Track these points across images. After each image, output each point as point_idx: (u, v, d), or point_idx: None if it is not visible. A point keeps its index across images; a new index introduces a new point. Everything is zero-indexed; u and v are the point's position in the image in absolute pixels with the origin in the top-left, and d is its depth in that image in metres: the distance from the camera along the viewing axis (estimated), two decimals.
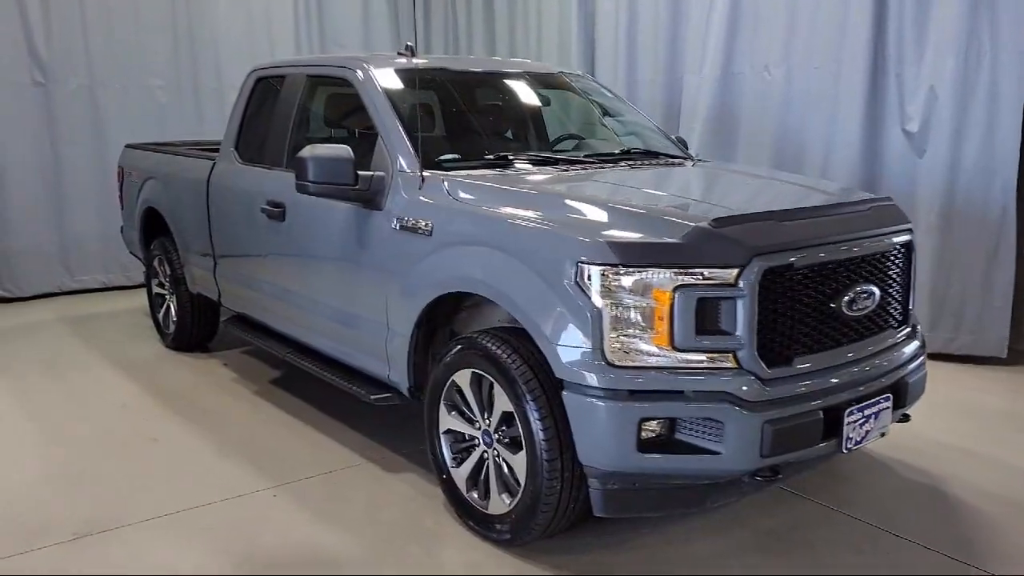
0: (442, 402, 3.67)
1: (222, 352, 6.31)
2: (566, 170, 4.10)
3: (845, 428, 3.13)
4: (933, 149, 5.70)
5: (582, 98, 5.07)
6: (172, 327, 6.31)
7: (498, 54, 9.42)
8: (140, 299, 7.83)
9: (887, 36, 5.91)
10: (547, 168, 4.11)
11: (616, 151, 4.54)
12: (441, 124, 4.28)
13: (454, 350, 3.55)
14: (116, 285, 8.64)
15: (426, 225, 3.64)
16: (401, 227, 3.79)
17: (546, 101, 4.90)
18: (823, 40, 6.27)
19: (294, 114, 4.75)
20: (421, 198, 3.76)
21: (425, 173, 3.82)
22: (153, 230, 6.53)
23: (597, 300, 2.97)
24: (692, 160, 4.66)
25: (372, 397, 4.09)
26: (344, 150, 3.88)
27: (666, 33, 7.44)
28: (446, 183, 3.73)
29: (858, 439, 3.20)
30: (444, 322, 3.90)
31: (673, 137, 5.03)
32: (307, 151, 3.89)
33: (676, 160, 4.57)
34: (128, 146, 7.06)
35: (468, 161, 4.09)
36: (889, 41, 5.89)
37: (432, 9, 10.18)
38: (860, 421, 3.18)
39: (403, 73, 4.39)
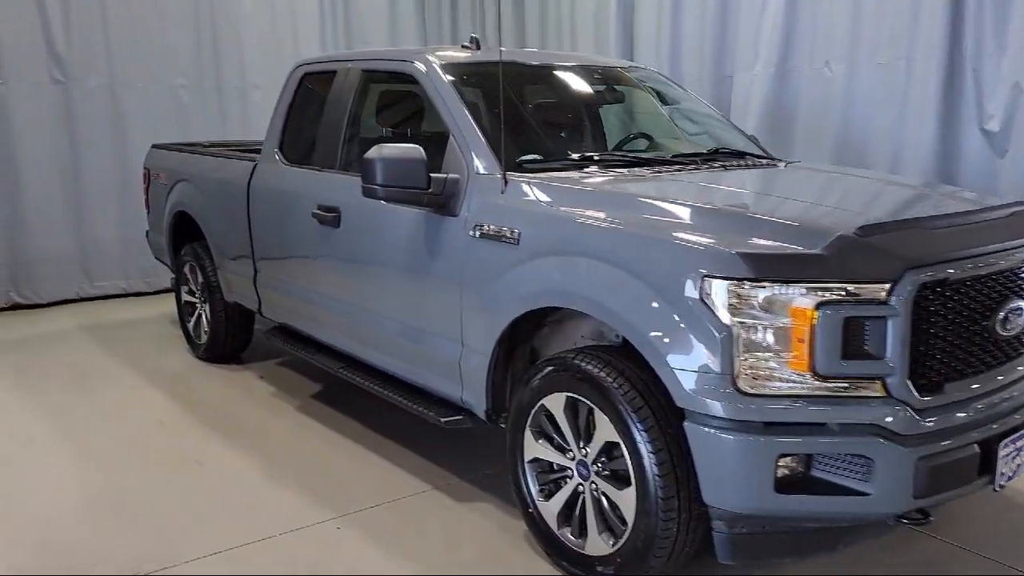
0: (528, 428, 3.31)
1: (256, 364, 5.96)
2: (659, 172, 3.74)
3: (998, 462, 2.76)
4: (1016, 149, 5.34)
5: (653, 94, 4.71)
6: (204, 337, 5.95)
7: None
8: (163, 306, 7.51)
9: (964, 29, 5.55)
10: (637, 170, 3.73)
11: (703, 151, 4.17)
12: (515, 122, 3.90)
13: (544, 372, 3.20)
14: (136, 291, 8.29)
15: (512, 233, 3.28)
16: (481, 235, 3.42)
17: (619, 97, 4.53)
18: (891, 34, 5.92)
19: (348, 112, 4.39)
20: (504, 203, 3.39)
21: (507, 175, 3.45)
22: (184, 235, 6.17)
23: (725, 319, 2.61)
24: (782, 160, 4.29)
25: (443, 420, 3.73)
26: (415, 150, 3.53)
27: (714, 27, 7.10)
28: (533, 186, 3.37)
29: (1010, 474, 2.85)
30: (525, 339, 3.53)
31: (749, 136, 4.66)
32: (375, 152, 3.53)
33: (765, 161, 4.21)
34: (155, 146, 6.70)
35: (549, 162, 3.73)
36: (966, 33, 5.53)
37: (459, 4, 9.82)
38: (1012, 454, 2.82)
39: (473, 67, 4.04)
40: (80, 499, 3.94)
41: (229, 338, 5.85)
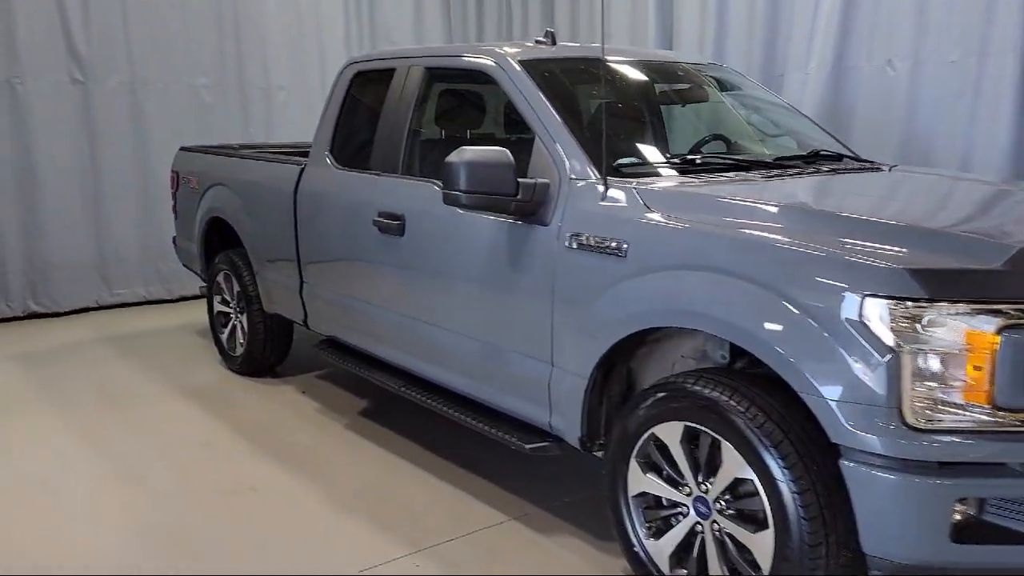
0: (634, 459, 2.99)
1: (294, 377, 5.63)
2: (768, 176, 3.41)
3: None
4: None
5: (735, 92, 4.39)
6: (240, 350, 5.61)
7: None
8: (186, 314, 7.19)
9: None
10: (744, 174, 3.41)
11: (802, 154, 3.84)
12: (603, 122, 3.57)
13: (656, 397, 2.87)
14: (157, 299, 7.95)
15: (617, 244, 2.96)
16: (578, 245, 3.10)
17: (704, 96, 4.21)
18: (961, 30, 5.59)
19: (410, 113, 4.05)
20: (606, 211, 3.07)
21: (608, 180, 3.12)
22: (217, 242, 5.83)
23: (891, 343, 2.29)
24: (884, 164, 3.97)
25: (529, 447, 3.40)
26: (503, 154, 3.20)
27: (764, 24, 6.77)
28: (640, 192, 3.04)
29: None
30: (622, 359, 3.20)
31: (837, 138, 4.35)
32: (458, 155, 3.20)
33: (869, 165, 3.89)
34: (183, 149, 6.36)
35: (646, 166, 3.40)
36: None
37: (484, 3, 9.51)
38: None
39: (555, 63, 3.71)
40: (131, 530, 3.61)
41: (267, 351, 5.52)
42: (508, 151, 3.23)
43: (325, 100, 4.70)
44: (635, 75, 4.04)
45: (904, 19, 5.86)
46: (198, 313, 7.22)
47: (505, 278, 3.41)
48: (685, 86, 4.21)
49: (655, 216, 2.93)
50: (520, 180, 3.23)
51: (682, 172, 3.36)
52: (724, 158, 3.68)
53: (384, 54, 4.42)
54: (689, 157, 3.57)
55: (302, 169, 4.76)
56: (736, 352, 2.93)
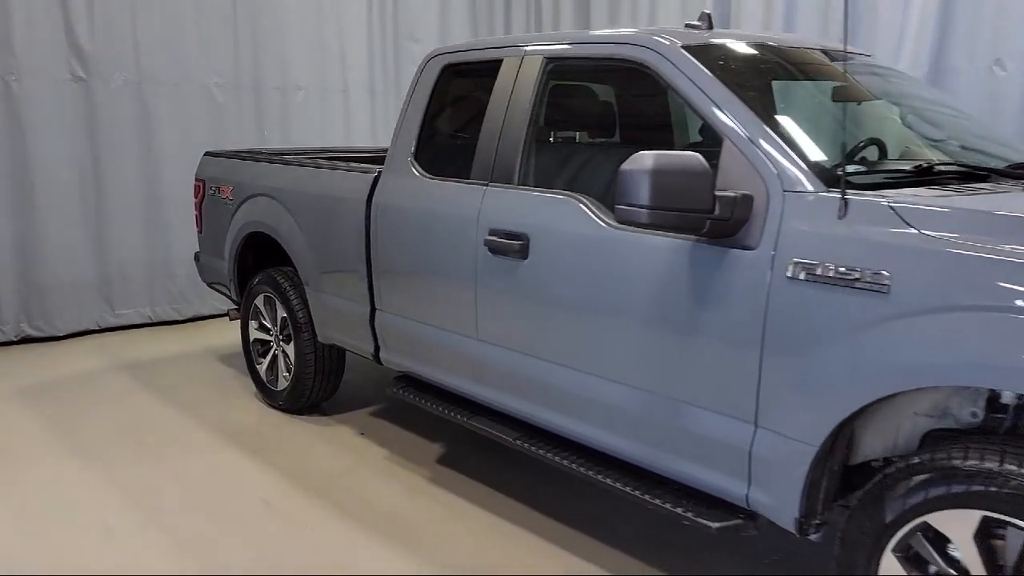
0: (891, 553, 2.28)
1: (344, 415, 4.89)
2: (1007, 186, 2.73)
3: None
4: None
5: (908, 91, 3.72)
6: (283, 383, 4.84)
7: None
8: (201, 338, 6.41)
9: None
10: (989, 184, 2.72)
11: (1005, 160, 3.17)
12: (809, 123, 2.88)
13: (929, 477, 2.17)
14: (164, 320, 7.13)
15: (874, 277, 2.25)
16: (809, 277, 2.40)
17: (880, 93, 3.54)
18: None
19: (530, 112, 3.32)
20: (853, 233, 2.37)
21: (842, 195, 2.43)
22: (256, 260, 5.06)
23: None
24: None
25: (716, 525, 2.69)
26: (695, 160, 2.50)
27: (841, 16, 6.10)
28: (899, 208, 2.34)
29: None
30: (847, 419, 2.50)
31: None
32: (636, 163, 2.50)
33: None
34: (209, 155, 5.56)
35: (875, 174, 2.72)
36: None
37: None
38: None
39: (729, 51, 3.00)
40: None
41: (317, 386, 4.75)
42: (701, 156, 2.52)
43: (405, 99, 3.95)
44: (809, 66, 3.35)
45: (1015, 9, 5.25)
46: (215, 336, 6.46)
47: (685, 314, 2.70)
48: (868, 81, 3.52)
49: (930, 239, 2.23)
50: (718, 193, 2.52)
51: (917, 183, 2.66)
52: (962, 166, 2.97)
53: (483, 43, 3.68)
54: (919, 164, 2.86)
55: (376, 178, 4.00)
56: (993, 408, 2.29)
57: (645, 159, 2.51)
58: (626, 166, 2.53)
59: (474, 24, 8.67)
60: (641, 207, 2.51)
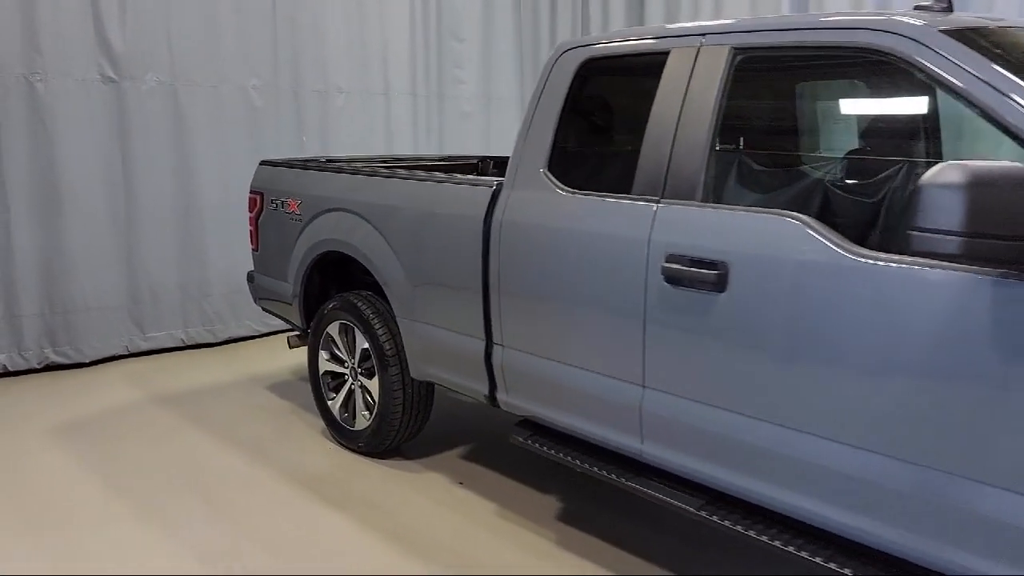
0: None
1: (430, 459, 4.28)
2: None
3: None
4: None
5: None
6: (363, 423, 4.22)
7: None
8: (243, 363, 5.81)
9: None
10: None
11: None
12: None
13: None
14: (198, 343, 6.47)
15: None
16: None
17: None
18: None
19: (715, 116, 2.72)
20: None
21: None
22: (323, 282, 4.44)
23: None
24: None
25: None
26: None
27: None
28: None
29: None
30: None
31: None
32: (943, 175, 1.92)
33: None
34: (267, 164, 4.92)
35: None
36: None
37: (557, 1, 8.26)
38: None
39: (1004, 39, 2.42)
40: None
41: (405, 426, 4.11)
42: None
43: (531, 101, 3.33)
44: None
45: None
46: (256, 361, 5.83)
47: (989, 368, 2.09)
48: None
49: None
50: None
51: None
52: None
53: (635, 33, 3.07)
54: None
55: (495, 192, 3.38)
56: None
57: (955, 171, 1.91)
58: (930, 180, 1.93)
59: (518, 23, 8.09)
60: (951, 233, 1.91)
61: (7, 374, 5.70)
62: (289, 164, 4.73)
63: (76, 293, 5.83)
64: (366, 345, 4.13)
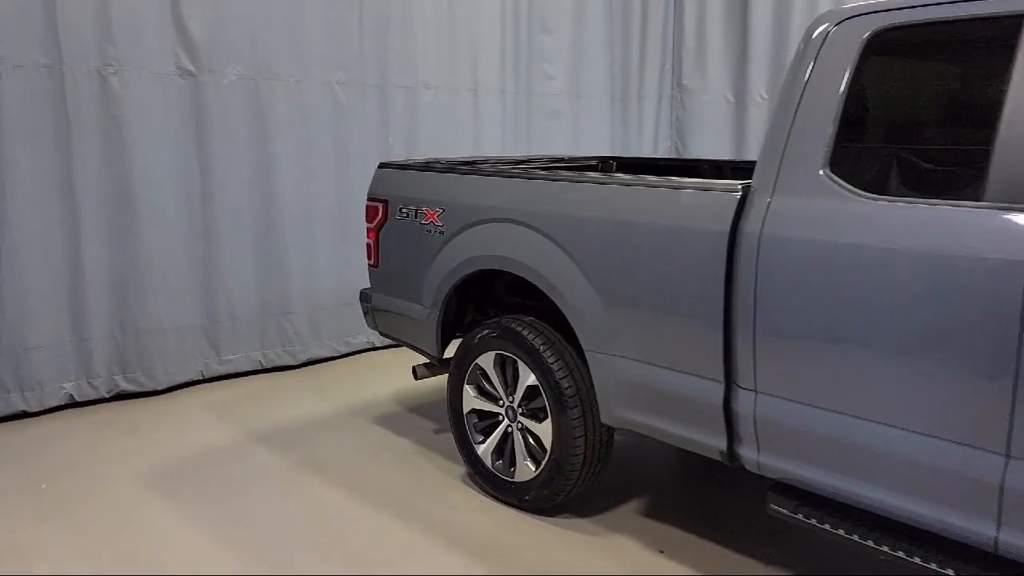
0: None
1: (603, 516, 3.55)
2: None
3: None
4: None
5: None
6: (530, 473, 3.50)
7: (762, 19, 6.82)
8: (328, 390, 5.21)
9: None
10: None
11: None
12: None
13: None
14: (278, 365, 5.75)
15: None
16: None
17: None
18: None
19: None
20: None
21: None
22: (464, 305, 3.74)
23: None
24: None
25: None
26: None
27: None
28: None
29: None
30: None
31: None
32: None
33: None
34: (387, 166, 4.20)
35: None
36: None
37: None
38: None
39: None
40: None
41: (583, 479, 3.40)
42: None
43: (791, 86, 2.61)
44: None
45: None
46: (347, 388, 5.21)
47: None
48: None
49: None
50: None
51: None
52: None
53: None
54: None
55: (742, 198, 2.65)
56: None
57: None
58: None
59: (609, 13, 7.38)
60: None
61: (73, 404, 4.96)
62: (422, 167, 4.01)
63: (149, 313, 5.11)
64: (533, 381, 3.40)
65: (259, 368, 5.72)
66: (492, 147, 6.64)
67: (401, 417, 4.76)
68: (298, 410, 4.91)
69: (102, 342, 5.02)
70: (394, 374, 5.60)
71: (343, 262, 5.94)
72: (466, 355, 3.71)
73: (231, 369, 5.60)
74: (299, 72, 5.54)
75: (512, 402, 3.56)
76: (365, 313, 4.39)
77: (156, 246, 5.07)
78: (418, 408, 4.92)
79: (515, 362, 3.51)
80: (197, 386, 5.44)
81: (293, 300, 5.75)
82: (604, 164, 5.28)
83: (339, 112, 5.81)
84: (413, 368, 4.17)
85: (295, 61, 5.51)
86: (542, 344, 3.36)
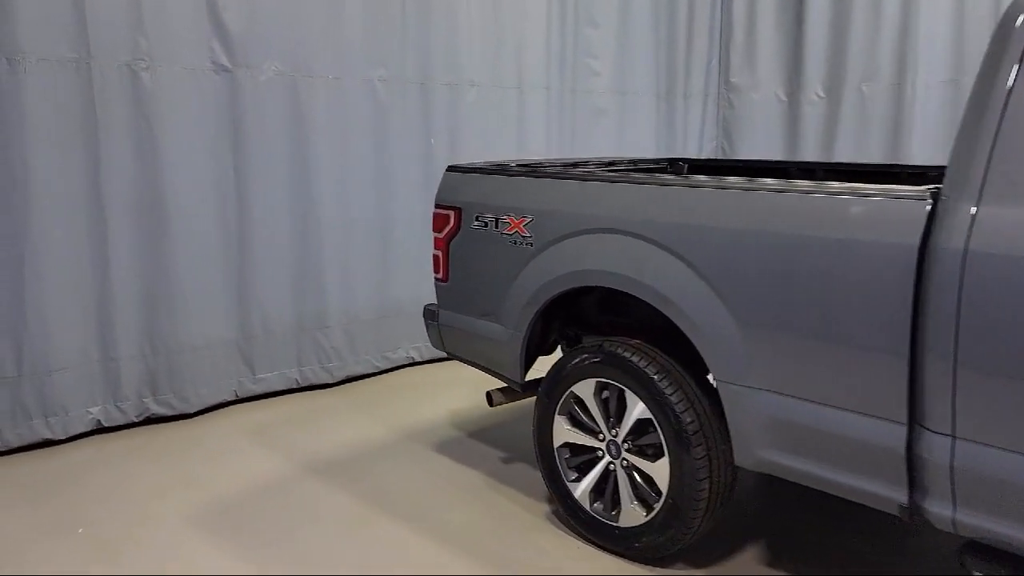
0: None
1: (722, 565, 3.07)
2: None
3: None
4: None
5: None
6: (640, 517, 3.08)
7: (820, 11, 6.42)
8: (376, 412, 4.83)
9: None
10: None
11: None
12: None
13: None
14: (313, 383, 5.28)
15: None
16: None
17: None
18: None
19: None
20: None
21: None
22: (548, 325, 3.31)
23: None
24: None
25: None
26: None
27: None
28: None
29: None
30: None
31: None
32: None
33: None
34: (456, 169, 3.75)
35: None
36: None
37: None
38: None
39: None
40: None
41: (705, 524, 2.95)
42: None
43: (994, 81, 2.16)
44: None
45: None
46: (396, 409, 4.83)
47: None
48: None
49: None
50: None
51: None
52: None
53: None
54: None
55: (935, 208, 2.21)
56: None
57: None
58: None
59: (655, 5, 6.93)
60: None
61: (101, 430, 4.49)
62: (491, 170, 3.56)
63: (181, 328, 4.65)
64: (644, 414, 2.96)
65: (296, 387, 5.27)
66: (537, 148, 6.20)
67: (463, 444, 4.32)
68: (347, 435, 4.46)
69: (131, 361, 4.55)
70: (442, 392, 5.16)
71: (382, 270, 5.50)
72: (559, 382, 3.26)
73: (265, 388, 5.14)
74: (338, 67, 5.10)
75: (615, 436, 3.11)
76: (429, 331, 3.93)
77: (188, 255, 4.61)
78: (480, 433, 4.47)
79: (620, 392, 3.06)
80: (231, 407, 4.98)
81: (330, 312, 5.30)
82: (674, 166, 4.84)
83: (379, 111, 5.36)
84: (488, 394, 3.72)
85: (334, 56, 5.06)
86: (656, 372, 2.92)
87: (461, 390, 5.22)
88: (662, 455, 2.95)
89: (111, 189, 4.31)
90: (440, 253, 3.75)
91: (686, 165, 4.85)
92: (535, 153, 6.15)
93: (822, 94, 6.66)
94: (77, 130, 4.17)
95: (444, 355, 5.84)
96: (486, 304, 3.55)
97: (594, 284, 3.08)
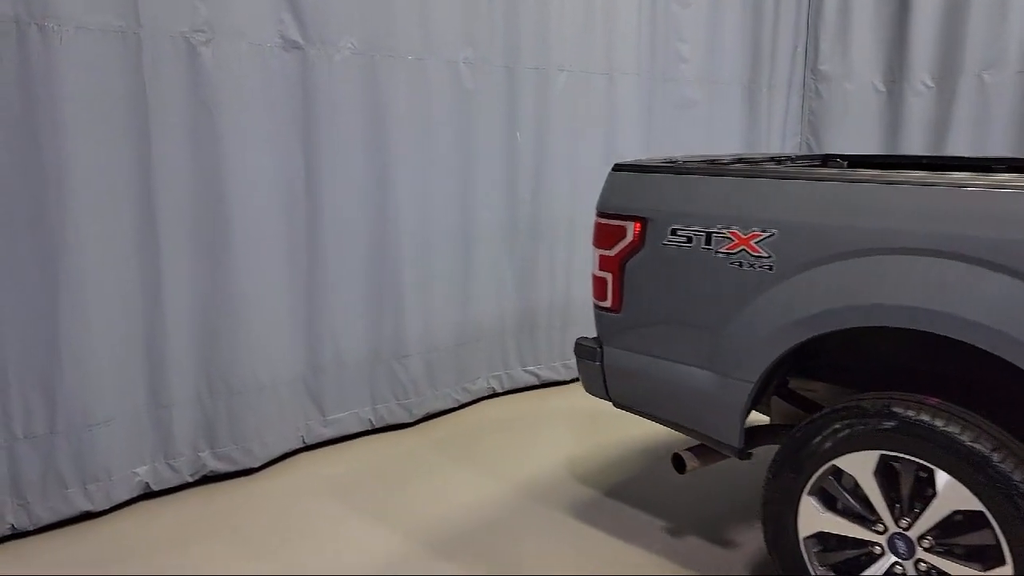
0: None
1: None
2: None
3: None
4: None
5: None
6: None
7: None
8: (479, 460, 3.93)
9: None
10: None
11: None
12: None
13: None
14: (388, 424, 4.36)
15: None
16: None
17: None
18: None
19: None
20: None
21: None
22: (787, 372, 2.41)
23: None
24: None
25: None
26: None
27: None
28: None
29: None
30: None
31: None
32: None
33: None
34: (624, 168, 2.81)
35: None
36: None
37: None
38: None
39: None
40: None
41: None
42: None
43: None
44: None
45: None
46: (485, 451, 4.02)
47: None
48: None
49: None
50: None
51: None
52: None
53: None
54: None
55: None
56: None
57: None
58: None
59: None
60: None
61: (150, 495, 3.52)
62: (689, 169, 2.63)
63: (243, 363, 3.70)
64: (965, 505, 2.05)
65: (370, 428, 4.33)
66: (628, 143, 5.28)
67: (604, 507, 3.41)
68: (452, 494, 3.53)
69: (185, 408, 3.58)
70: (542, 432, 4.26)
71: (463, 287, 4.58)
72: (812, 452, 2.35)
73: (336, 432, 4.21)
74: (420, 47, 4.14)
75: (905, 528, 2.21)
76: (585, 372, 2.99)
77: (253, 273, 3.66)
78: (619, 492, 3.57)
79: (916, 469, 2.16)
80: (297, 456, 4.03)
81: (409, 342, 4.37)
82: (831, 163, 3.97)
83: (464, 99, 4.43)
84: (677, 456, 2.81)
85: (416, 34, 4.12)
86: (992, 449, 2.01)
87: (561, 429, 4.33)
88: (998, 562, 2.05)
89: (163, 193, 3.35)
90: (609, 275, 2.83)
91: (846, 161, 3.97)
92: (625, 149, 5.24)
93: (930, 83, 5.82)
94: (123, 117, 3.19)
95: (524, 385, 4.94)
96: (686, 344, 2.63)
97: (883, 324, 2.17)
